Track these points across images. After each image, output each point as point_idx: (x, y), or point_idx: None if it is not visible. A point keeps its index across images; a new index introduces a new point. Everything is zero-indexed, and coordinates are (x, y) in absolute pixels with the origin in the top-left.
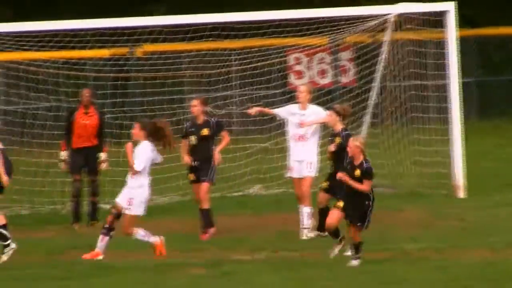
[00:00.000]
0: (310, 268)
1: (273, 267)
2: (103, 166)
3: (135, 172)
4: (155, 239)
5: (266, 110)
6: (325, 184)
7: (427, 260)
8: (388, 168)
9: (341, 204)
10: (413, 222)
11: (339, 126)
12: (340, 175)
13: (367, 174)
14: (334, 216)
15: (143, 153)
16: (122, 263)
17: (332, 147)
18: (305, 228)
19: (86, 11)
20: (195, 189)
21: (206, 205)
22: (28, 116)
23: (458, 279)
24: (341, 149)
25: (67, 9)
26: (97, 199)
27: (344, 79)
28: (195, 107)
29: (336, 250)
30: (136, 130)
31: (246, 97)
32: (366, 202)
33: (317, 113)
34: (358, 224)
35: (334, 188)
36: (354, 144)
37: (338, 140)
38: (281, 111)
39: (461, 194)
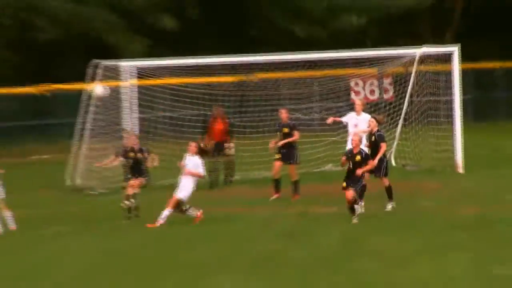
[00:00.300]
0: (363, 218)
1: (345, 217)
2: (231, 151)
3: (202, 177)
4: (164, 220)
5: (337, 119)
6: None
7: (435, 212)
8: (413, 154)
9: (344, 184)
10: (429, 189)
11: (375, 128)
12: (358, 172)
13: (368, 158)
14: (350, 195)
15: (201, 163)
16: (240, 215)
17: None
18: None
19: (213, 49)
20: (276, 165)
21: (295, 178)
22: (177, 119)
23: (456, 225)
24: (375, 144)
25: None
26: (229, 172)
27: (386, 96)
28: (282, 113)
29: (390, 206)
30: (194, 148)
31: (322, 107)
32: (360, 180)
33: (367, 119)
34: (354, 188)
35: (373, 169)
36: (358, 137)
37: (373, 138)
38: (345, 118)
39: (461, 170)
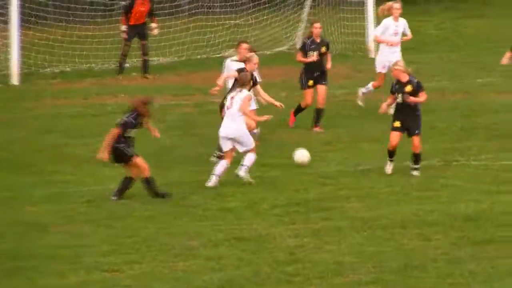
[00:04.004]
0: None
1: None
2: (155, 32)
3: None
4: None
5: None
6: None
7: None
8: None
9: (398, 124)
10: (341, 75)
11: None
12: (411, 99)
13: (420, 87)
14: (395, 138)
15: None
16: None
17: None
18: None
19: None
20: (308, 94)
21: (323, 106)
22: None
23: None
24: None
25: None
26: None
27: None
28: (316, 28)
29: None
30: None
31: None
32: (417, 113)
33: (404, 24)
34: (417, 132)
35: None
36: (395, 68)
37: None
38: (381, 28)
39: (372, 55)
